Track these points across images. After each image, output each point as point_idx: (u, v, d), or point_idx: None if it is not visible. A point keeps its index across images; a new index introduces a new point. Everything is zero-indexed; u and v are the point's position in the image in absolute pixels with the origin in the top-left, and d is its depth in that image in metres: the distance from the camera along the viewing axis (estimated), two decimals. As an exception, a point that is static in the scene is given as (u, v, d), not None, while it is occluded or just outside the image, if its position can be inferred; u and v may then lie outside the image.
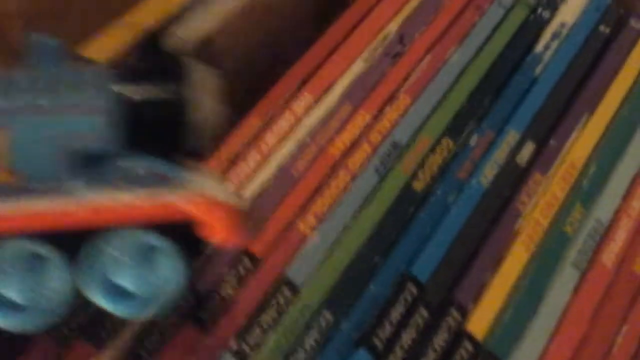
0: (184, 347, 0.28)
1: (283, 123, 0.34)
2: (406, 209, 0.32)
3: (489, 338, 0.29)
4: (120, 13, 0.34)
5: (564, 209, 0.33)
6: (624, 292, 0.32)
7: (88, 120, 0.23)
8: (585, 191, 0.33)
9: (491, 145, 0.34)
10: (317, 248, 0.31)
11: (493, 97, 0.36)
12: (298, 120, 0.34)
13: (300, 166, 0.33)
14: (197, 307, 0.29)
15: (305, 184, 0.32)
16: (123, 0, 0.34)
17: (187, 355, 0.28)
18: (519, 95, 0.36)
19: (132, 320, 0.28)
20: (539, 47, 0.38)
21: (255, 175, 0.32)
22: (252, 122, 0.33)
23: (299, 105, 0.34)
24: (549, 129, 0.35)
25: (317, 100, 0.35)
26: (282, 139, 0.33)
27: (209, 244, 0.24)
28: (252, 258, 0.30)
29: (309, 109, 0.34)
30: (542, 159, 0.34)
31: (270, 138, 0.33)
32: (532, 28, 0.38)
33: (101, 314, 0.28)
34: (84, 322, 0.28)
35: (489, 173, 0.33)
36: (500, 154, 0.34)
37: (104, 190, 0.23)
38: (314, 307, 0.29)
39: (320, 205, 0.32)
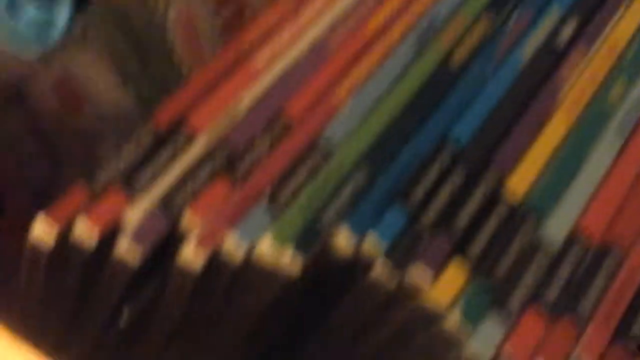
0: (215, 201, 0.28)
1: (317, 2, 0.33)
2: (443, 82, 0.32)
3: (528, 198, 0.29)
4: None
5: (607, 82, 0.32)
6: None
7: None
8: (630, 65, 0.33)
9: (532, 22, 0.34)
10: (352, 113, 0.30)
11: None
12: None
13: (336, 41, 0.32)
14: (229, 163, 0.29)
15: (340, 55, 0.32)
16: None
17: (217, 208, 0.27)
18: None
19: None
20: None
21: (290, 48, 0.32)
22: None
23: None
24: (594, 4, 0.34)
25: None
26: (319, 13, 0.33)
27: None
28: (286, 121, 0.30)
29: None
30: (585, 34, 0.34)
31: (306, 12, 0.33)
32: None
33: (139, 164, 0.28)
34: (118, 170, 0.28)
35: (529, 49, 0.33)
36: (542, 30, 0.33)
37: None
38: (349, 166, 0.29)
39: (355, 75, 0.31)
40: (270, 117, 0.30)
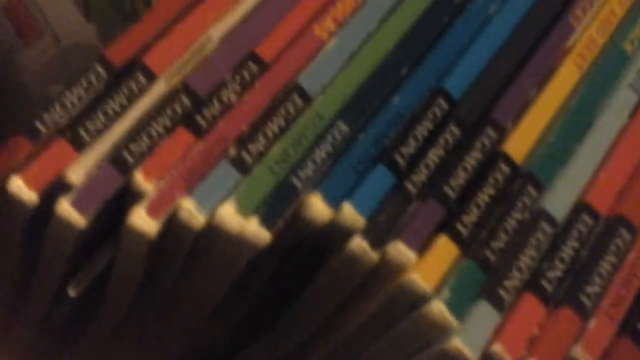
0: (173, 156, 0.24)
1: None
2: (440, 17, 0.28)
3: (530, 160, 0.26)
4: None
5: (624, 26, 0.28)
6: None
7: None
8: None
9: (543, -46, 0.30)
10: (335, 54, 0.27)
11: None
12: None
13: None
14: (192, 110, 0.25)
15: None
16: None
17: (175, 165, 0.24)
18: None
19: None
20: None
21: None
22: None
23: None
24: None
25: None
26: None
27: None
28: (260, 62, 0.26)
29: None
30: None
31: None
32: None
33: (86, 112, 0.25)
34: (65, 121, 0.25)
35: (538, -17, 0.29)
36: (553, -36, 0.30)
37: None
38: (328, 116, 0.26)
39: (340, 8, 0.28)
40: (240, 59, 0.27)
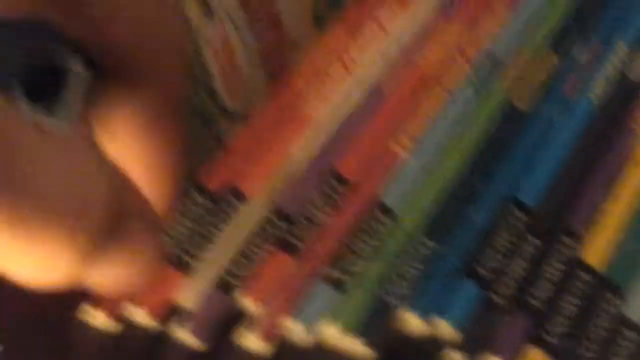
0: (276, 274, 0.26)
1: (369, 36, 0.31)
2: (508, 129, 0.30)
3: (607, 266, 0.27)
4: None
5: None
6: None
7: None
8: None
9: (599, 59, 0.32)
10: (413, 170, 0.29)
11: (599, 6, 0.33)
12: (385, 33, 0.32)
13: (390, 83, 0.30)
14: (286, 231, 0.27)
15: (396, 102, 0.30)
16: None
17: (279, 283, 0.26)
18: (628, 3, 0.33)
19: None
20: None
21: (342, 92, 0.30)
22: (336, 34, 0.31)
23: (386, 16, 0.32)
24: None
25: (405, 10, 0.32)
26: (369, 53, 0.31)
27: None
28: (343, 181, 0.28)
29: (396, 20, 0.32)
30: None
31: (355, 52, 0.31)
32: None
33: (190, 234, 0.27)
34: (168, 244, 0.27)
35: (598, 89, 0.31)
36: (609, 69, 0.32)
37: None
38: (413, 233, 0.27)
39: (414, 124, 0.30)
40: (325, 177, 0.28)
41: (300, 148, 0.29)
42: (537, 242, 0.27)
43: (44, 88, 0.23)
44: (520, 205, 0.28)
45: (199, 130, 0.40)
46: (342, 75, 0.31)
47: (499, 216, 0.28)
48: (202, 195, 0.28)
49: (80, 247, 0.18)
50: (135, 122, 0.24)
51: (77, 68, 0.23)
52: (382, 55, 0.31)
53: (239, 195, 0.28)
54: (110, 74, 0.24)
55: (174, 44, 0.24)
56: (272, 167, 0.28)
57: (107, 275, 0.19)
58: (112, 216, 0.19)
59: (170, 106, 0.24)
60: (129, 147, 0.24)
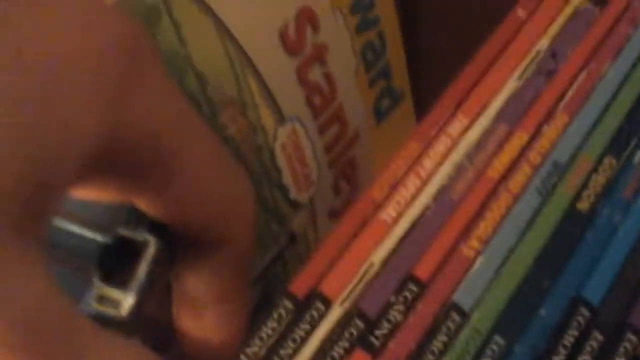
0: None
1: (440, 147, 0.34)
2: (572, 230, 0.32)
3: (668, 362, 0.29)
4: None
5: None
6: None
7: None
8: None
9: (657, 162, 0.34)
10: (483, 272, 0.31)
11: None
12: (454, 143, 0.35)
13: (459, 189, 0.33)
14: (367, 332, 0.30)
15: (466, 207, 0.33)
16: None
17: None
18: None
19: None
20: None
21: (415, 200, 0.33)
22: (410, 146, 0.34)
23: (454, 128, 0.35)
24: None
25: (472, 121, 0.35)
26: (440, 163, 0.34)
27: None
28: (418, 283, 0.31)
29: (464, 132, 0.35)
30: None
31: (427, 162, 0.34)
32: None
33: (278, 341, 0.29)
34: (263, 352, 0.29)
35: (656, 190, 0.33)
36: (667, 170, 0.34)
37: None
38: (484, 331, 0.30)
39: (482, 228, 0.32)
40: (401, 280, 0.31)
41: (377, 253, 0.32)
42: (601, 337, 0.29)
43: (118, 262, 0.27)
44: (586, 303, 0.30)
45: (270, 224, 0.44)
46: (416, 184, 0.33)
47: (566, 314, 0.30)
48: (290, 302, 0.31)
49: None
50: (215, 286, 0.28)
51: (151, 241, 0.26)
52: (451, 164, 0.34)
53: (322, 298, 0.30)
54: (189, 244, 0.28)
55: (245, 215, 0.28)
56: (351, 271, 0.31)
57: None
58: None
59: (244, 267, 0.28)
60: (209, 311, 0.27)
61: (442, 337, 0.29)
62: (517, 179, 0.33)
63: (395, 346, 0.29)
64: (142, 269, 0.27)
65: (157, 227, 0.28)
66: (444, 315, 0.30)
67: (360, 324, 0.30)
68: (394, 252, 0.32)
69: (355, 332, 0.30)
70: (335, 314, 0.30)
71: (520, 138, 0.35)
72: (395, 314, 0.30)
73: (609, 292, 0.31)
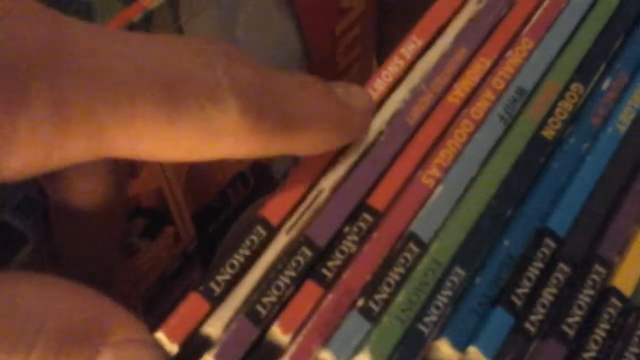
0: (306, 305, 0.27)
1: (392, 68, 0.33)
2: (537, 159, 0.31)
3: (638, 292, 0.28)
4: None
5: None
6: None
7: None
8: None
9: (626, 89, 0.33)
10: (443, 201, 0.30)
11: (624, 37, 0.34)
12: (408, 65, 0.33)
13: (416, 115, 0.31)
14: (317, 262, 0.28)
15: (425, 134, 0.31)
16: None
17: (310, 313, 0.27)
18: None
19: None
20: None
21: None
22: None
23: (407, 49, 0.33)
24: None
25: (427, 43, 0.34)
26: (393, 85, 0.32)
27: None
28: (374, 212, 0.29)
29: (419, 54, 0.33)
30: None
31: (379, 84, 0.32)
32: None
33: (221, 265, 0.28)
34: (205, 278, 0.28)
35: (625, 118, 0.32)
36: (636, 98, 0.32)
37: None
38: (444, 263, 0.28)
39: (443, 155, 0.31)
40: (355, 209, 0.29)
41: (327, 180, 0.30)
42: (568, 269, 0.28)
43: None
44: (552, 234, 0.29)
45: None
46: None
47: (529, 244, 0.29)
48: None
49: None
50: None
51: (30, 239, 0.26)
52: (406, 87, 0.32)
53: (266, 225, 0.29)
54: None
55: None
56: (296, 196, 0.29)
57: None
58: None
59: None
60: None
61: (399, 269, 0.28)
62: (479, 106, 0.32)
63: (349, 278, 0.28)
64: (18, 260, 0.26)
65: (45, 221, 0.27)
66: (401, 246, 0.28)
67: (308, 253, 0.28)
68: (345, 179, 0.30)
69: (303, 261, 0.28)
70: (280, 241, 0.29)
71: (482, 63, 0.33)
72: (349, 245, 0.28)
73: (576, 222, 0.29)
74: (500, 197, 0.30)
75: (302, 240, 0.28)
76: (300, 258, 0.28)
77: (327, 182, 0.30)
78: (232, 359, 0.27)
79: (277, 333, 0.27)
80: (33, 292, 0.24)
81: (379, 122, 0.31)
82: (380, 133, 0.31)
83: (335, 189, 0.30)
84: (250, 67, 0.26)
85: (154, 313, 0.44)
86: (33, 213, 0.31)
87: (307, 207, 0.30)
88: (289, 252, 0.28)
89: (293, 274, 0.28)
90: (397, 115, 0.31)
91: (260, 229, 0.29)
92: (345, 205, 0.29)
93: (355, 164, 0.31)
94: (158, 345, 0.26)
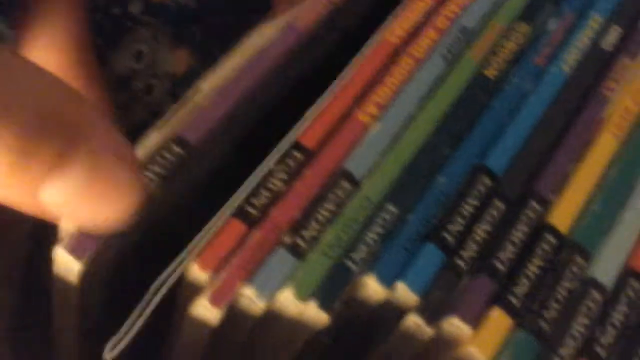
0: (229, 242, 0.27)
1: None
2: (478, 97, 0.31)
3: (575, 230, 0.28)
4: None
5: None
6: None
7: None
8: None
9: (572, 30, 0.33)
10: (379, 138, 0.29)
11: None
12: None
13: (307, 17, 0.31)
14: (242, 201, 0.28)
15: (362, 71, 0.31)
16: None
17: (234, 250, 0.27)
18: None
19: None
20: None
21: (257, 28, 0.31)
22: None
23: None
24: (637, 12, 0.33)
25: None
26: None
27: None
28: (304, 150, 0.29)
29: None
30: (631, 43, 0.32)
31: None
32: None
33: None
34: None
35: (570, 59, 0.32)
36: (582, 39, 0.32)
37: None
38: (376, 199, 0.28)
39: (381, 93, 0.30)
40: (284, 148, 0.29)
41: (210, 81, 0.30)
42: (503, 206, 0.28)
43: None
44: (488, 172, 0.29)
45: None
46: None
47: (465, 182, 0.29)
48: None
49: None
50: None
51: None
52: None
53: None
54: None
55: None
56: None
57: (67, 193, 0.19)
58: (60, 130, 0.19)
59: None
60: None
61: (329, 206, 0.28)
62: (421, 44, 0.32)
63: (277, 215, 0.28)
64: None
65: None
66: (333, 183, 0.28)
67: (179, 150, 0.28)
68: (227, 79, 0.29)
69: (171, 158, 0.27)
70: (151, 139, 0.28)
71: (424, 2, 0.33)
72: (276, 182, 0.28)
73: (514, 161, 0.29)
74: (438, 135, 0.30)
75: (173, 138, 0.28)
76: (168, 154, 0.27)
77: (208, 84, 0.30)
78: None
79: (195, 270, 0.26)
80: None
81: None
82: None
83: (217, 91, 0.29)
84: None
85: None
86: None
87: (181, 105, 0.29)
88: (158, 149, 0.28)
89: (219, 211, 0.28)
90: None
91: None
92: (224, 106, 0.29)
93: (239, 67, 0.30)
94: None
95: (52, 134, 0.19)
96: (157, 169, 0.27)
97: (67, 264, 0.26)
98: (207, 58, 0.55)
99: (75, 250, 0.25)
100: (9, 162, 0.18)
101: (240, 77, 0.29)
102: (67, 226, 0.26)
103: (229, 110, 0.28)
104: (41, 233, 0.28)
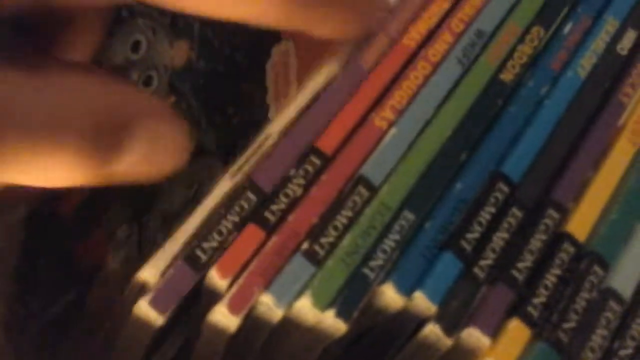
0: (247, 249, 0.27)
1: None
2: (494, 102, 0.31)
3: (592, 238, 0.28)
4: None
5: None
6: None
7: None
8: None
9: (588, 33, 0.33)
10: (396, 144, 0.29)
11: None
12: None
13: (371, 58, 0.31)
14: (259, 206, 0.28)
15: (378, 76, 0.31)
16: None
17: (251, 257, 0.27)
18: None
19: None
20: None
21: (321, 68, 0.31)
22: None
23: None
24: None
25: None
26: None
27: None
28: (322, 156, 0.29)
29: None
30: (646, 48, 0.33)
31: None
32: None
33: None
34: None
35: (586, 63, 0.32)
36: (598, 43, 0.32)
37: None
38: (393, 206, 0.28)
39: (397, 98, 0.30)
40: (302, 153, 0.29)
41: (274, 125, 0.30)
42: (520, 214, 0.28)
43: None
44: (506, 179, 0.29)
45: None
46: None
47: (482, 189, 0.29)
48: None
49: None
50: None
51: None
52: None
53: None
54: None
55: None
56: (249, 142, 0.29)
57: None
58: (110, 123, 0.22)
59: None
60: None
61: (347, 212, 0.28)
62: (437, 48, 0.32)
63: (294, 221, 0.28)
64: None
65: None
66: (350, 189, 0.28)
67: (252, 197, 0.28)
68: (294, 123, 0.30)
69: (247, 206, 0.28)
70: (224, 186, 0.28)
71: (439, 6, 0.33)
72: (294, 188, 0.28)
73: (531, 167, 0.29)
74: (455, 141, 0.30)
75: (246, 184, 0.28)
76: (243, 203, 0.28)
77: (275, 127, 0.30)
78: (167, 303, 0.26)
79: (215, 277, 0.26)
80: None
81: (331, 67, 0.31)
82: (334, 77, 0.31)
83: (283, 134, 0.30)
84: None
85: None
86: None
87: (253, 151, 0.29)
88: (232, 196, 0.28)
89: (236, 218, 0.28)
90: (350, 59, 0.31)
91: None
92: (292, 149, 0.29)
93: (305, 108, 0.30)
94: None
95: (108, 130, 0.22)
96: (235, 218, 0.27)
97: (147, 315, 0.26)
98: (206, 49, 0.55)
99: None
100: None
101: (307, 122, 0.30)
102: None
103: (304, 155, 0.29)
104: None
